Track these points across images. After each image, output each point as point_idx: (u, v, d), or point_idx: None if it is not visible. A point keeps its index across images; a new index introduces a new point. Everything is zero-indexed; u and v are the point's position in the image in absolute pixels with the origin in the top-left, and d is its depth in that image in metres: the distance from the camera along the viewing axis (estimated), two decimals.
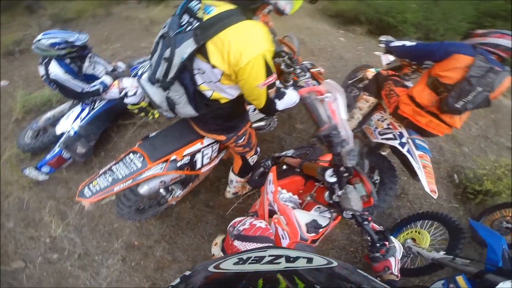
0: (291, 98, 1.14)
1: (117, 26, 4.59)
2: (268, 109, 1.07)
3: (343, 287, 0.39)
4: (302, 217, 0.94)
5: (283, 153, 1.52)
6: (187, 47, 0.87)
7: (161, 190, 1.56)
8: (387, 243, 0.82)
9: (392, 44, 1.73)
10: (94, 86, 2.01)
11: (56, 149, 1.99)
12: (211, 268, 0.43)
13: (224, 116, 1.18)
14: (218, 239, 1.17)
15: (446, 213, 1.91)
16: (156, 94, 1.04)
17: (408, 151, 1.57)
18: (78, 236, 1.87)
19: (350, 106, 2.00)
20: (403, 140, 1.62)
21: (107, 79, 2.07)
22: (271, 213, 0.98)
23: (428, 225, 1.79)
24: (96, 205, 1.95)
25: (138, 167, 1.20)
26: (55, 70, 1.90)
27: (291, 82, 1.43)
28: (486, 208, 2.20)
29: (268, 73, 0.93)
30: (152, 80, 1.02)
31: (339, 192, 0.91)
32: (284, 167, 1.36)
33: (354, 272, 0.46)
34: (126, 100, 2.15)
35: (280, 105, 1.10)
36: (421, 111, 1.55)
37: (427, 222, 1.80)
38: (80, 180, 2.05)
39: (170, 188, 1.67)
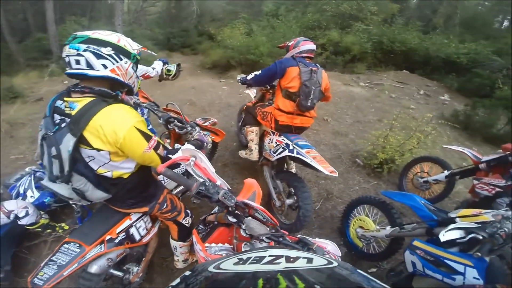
0: (186, 152, 1.25)
1: None
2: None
3: (343, 287, 0.39)
4: None
5: (212, 211, 1.60)
6: (69, 141, 0.97)
7: (118, 273, 1.51)
8: (311, 246, 0.92)
9: (247, 78, 2.16)
10: None
11: None
12: (211, 268, 0.42)
13: (136, 189, 1.26)
14: None
15: (366, 194, 2.23)
16: (62, 189, 1.09)
17: (298, 153, 1.87)
18: None
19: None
20: (290, 147, 1.93)
21: None
22: None
23: (363, 210, 1.94)
24: None
25: (77, 252, 1.21)
26: None
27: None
28: (400, 174, 2.56)
29: (147, 138, 1.06)
30: (52, 179, 1.07)
31: (243, 226, 1.03)
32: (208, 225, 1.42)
33: (354, 272, 0.45)
34: (21, 222, 1.79)
35: (177, 157, 1.19)
36: (292, 116, 1.99)
37: (360, 208, 1.95)
38: None
39: (125, 268, 1.61)
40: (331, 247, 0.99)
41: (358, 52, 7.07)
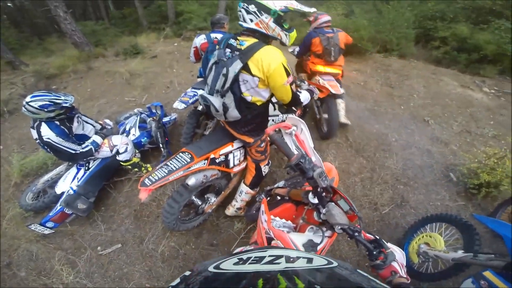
0: (305, 94, 1.73)
1: (99, 81, 4.68)
2: (295, 101, 1.49)
3: (343, 287, 0.39)
4: (298, 239, 0.98)
5: (275, 185, 1.61)
6: (237, 65, 1.30)
7: (198, 201, 1.85)
8: (383, 249, 0.85)
9: (296, 51, 3.06)
10: (86, 146, 2.03)
11: (58, 206, 2.01)
12: (211, 268, 0.43)
13: (256, 119, 1.56)
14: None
15: (451, 213, 1.95)
16: (216, 101, 1.42)
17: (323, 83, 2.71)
18: (91, 282, 1.88)
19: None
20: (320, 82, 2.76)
21: (97, 139, 2.10)
22: (269, 240, 1.02)
23: (437, 227, 1.82)
24: (103, 254, 2.00)
25: (187, 161, 1.50)
26: (47, 133, 1.89)
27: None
28: (500, 202, 2.18)
29: (287, 74, 1.34)
30: (211, 92, 1.44)
31: (323, 210, 0.98)
32: (278, 197, 1.45)
33: (354, 272, 0.45)
34: (119, 157, 2.18)
35: (302, 98, 1.62)
36: (325, 65, 2.81)
37: (435, 224, 1.83)
38: (85, 232, 2.15)
39: (206, 197, 1.95)
40: (399, 255, 0.92)
41: (492, 52, 5.53)
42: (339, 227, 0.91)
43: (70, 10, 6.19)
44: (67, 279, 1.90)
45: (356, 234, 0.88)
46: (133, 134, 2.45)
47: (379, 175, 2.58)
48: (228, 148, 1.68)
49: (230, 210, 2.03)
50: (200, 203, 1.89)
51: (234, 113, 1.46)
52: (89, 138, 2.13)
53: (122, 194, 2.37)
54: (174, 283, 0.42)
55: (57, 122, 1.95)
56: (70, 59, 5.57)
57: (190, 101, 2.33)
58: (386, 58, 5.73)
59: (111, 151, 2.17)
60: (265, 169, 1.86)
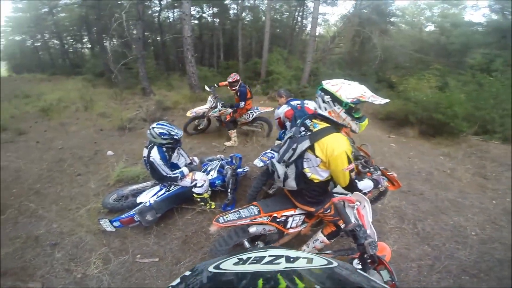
0: (367, 183, 1.75)
1: None
2: (351, 186, 1.56)
3: (343, 287, 0.38)
4: None
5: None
6: (305, 144, 1.50)
7: (247, 245, 2.00)
8: None
9: None
10: (175, 173, 2.54)
11: (132, 212, 2.41)
12: (211, 268, 0.43)
13: (314, 192, 1.69)
14: None
15: None
16: (280, 169, 1.66)
17: None
18: (109, 280, 2.02)
19: None
20: None
21: (185, 170, 2.62)
22: None
23: None
24: (138, 262, 2.21)
25: (255, 213, 1.76)
26: (154, 155, 2.42)
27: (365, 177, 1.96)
28: None
29: (349, 162, 1.45)
30: (279, 161, 1.69)
31: None
32: None
33: (354, 272, 0.44)
34: (194, 190, 2.60)
35: (360, 185, 1.64)
36: None
37: None
38: (135, 239, 2.44)
39: (256, 243, 2.10)
40: None
41: None
42: None
43: (196, 54, 7.99)
44: (91, 271, 2.06)
45: None
46: (211, 175, 2.90)
47: (442, 263, 2.27)
48: (290, 212, 1.87)
49: (306, 250, 2.07)
50: (248, 246, 2.05)
51: (291, 184, 1.65)
52: (179, 167, 2.67)
53: (182, 219, 2.70)
54: (174, 283, 0.42)
55: (164, 149, 2.52)
56: (183, 98, 6.88)
57: (267, 161, 2.58)
58: (485, 142, 4.84)
59: (191, 182, 2.63)
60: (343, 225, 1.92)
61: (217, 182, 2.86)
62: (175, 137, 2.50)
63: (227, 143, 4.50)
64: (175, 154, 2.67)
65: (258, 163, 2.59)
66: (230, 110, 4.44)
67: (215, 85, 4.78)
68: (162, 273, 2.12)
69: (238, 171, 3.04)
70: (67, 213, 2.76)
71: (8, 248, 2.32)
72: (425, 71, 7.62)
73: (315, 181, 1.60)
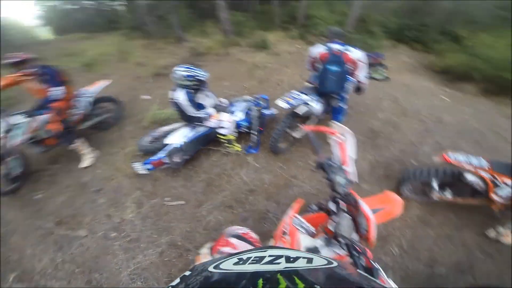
0: None
1: (230, 66, 5.54)
2: None
3: (343, 287, 0.38)
4: (305, 242, 0.95)
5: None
6: None
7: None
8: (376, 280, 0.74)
9: None
10: (200, 113, 2.59)
11: (161, 154, 2.49)
12: (211, 268, 0.43)
13: None
14: (206, 246, 1.25)
15: None
16: None
17: None
18: (141, 224, 2.12)
19: None
20: None
21: (211, 111, 2.64)
22: (283, 233, 1.05)
23: None
24: (167, 205, 2.28)
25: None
26: (180, 96, 2.50)
27: None
28: None
29: None
30: None
31: (335, 219, 0.91)
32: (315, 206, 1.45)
33: (354, 272, 0.44)
34: (219, 131, 2.66)
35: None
36: None
37: None
38: (165, 181, 2.52)
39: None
40: None
41: None
42: (342, 240, 0.85)
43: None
44: (127, 215, 2.14)
45: (357, 254, 0.76)
46: (239, 116, 2.85)
47: None
48: None
49: None
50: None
51: None
52: (204, 108, 2.69)
53: (208, 161, 2.81)
54: (174, 283, 0.43)
55: (189, 90, 2.55)
56: (217, 43, 6.80)
57: (292, 102, 2.42)
58: None
59: (217, 124, 2.66)
60: None
61: (243, 124, 2.84)
62: (200, 78, 2.49)
63: (82, 164, 2.84)
64: (200, 94, 2.67)
65: (281, 103, 2.42)
66: (45, 117, 2.57)
67: None
68: (186, 216, 2.21)
69: (264, 112, 2.93)
70: (109, 158, 2.92)
71: (64, 197, 2.48)
72: (505, 29, 6.15)
73: None
